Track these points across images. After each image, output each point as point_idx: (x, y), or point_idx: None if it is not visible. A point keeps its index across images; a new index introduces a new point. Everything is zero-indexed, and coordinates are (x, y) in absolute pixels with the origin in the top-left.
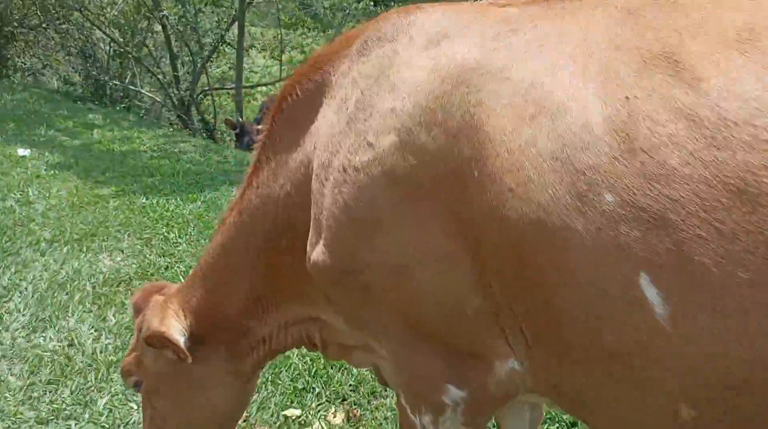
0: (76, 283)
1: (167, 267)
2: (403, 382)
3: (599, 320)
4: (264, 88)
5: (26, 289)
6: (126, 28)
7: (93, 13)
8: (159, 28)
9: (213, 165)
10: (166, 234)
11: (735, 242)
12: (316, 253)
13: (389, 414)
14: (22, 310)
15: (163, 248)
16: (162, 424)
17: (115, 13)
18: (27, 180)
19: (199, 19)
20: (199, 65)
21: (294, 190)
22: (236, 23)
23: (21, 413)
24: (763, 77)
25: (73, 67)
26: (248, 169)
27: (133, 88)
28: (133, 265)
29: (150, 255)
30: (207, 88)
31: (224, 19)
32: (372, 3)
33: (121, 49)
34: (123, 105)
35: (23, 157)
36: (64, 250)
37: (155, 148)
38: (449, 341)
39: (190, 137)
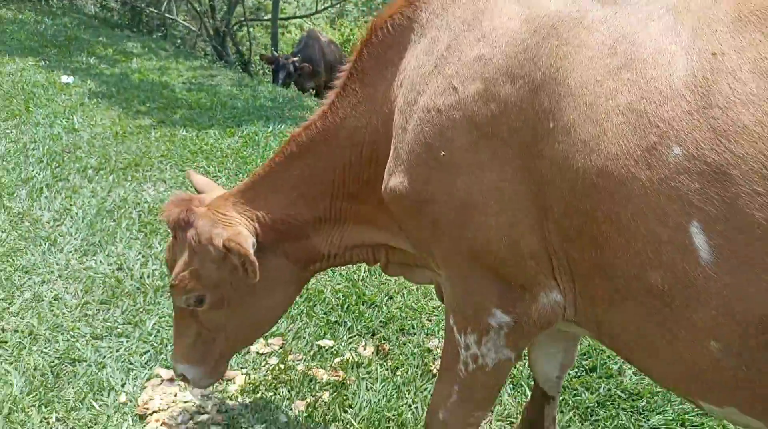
0: (122, 210)
1: None
2: (455, 304)
3: (647, 263)
4: (298, 20)
5: (76, 214)
6: None
7: None
8: None
9: (248, 100)
10: (206, 167)
11: (746, 215)
12: (393, 182)
13: (415, 350)
14: (73, 234)
15: (204, 175)
16: (213, 336)
17: None
18: (71, 107)
19: None
20: None
21: (380, 123)
22: None
23: (78, 328)
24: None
25: None
26: (330, 94)
27: (169, 16)
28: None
29: (191, 187)
30: (243, 19)
31: None
32: None
33: None
34: (159, 33)
35: (67, 84)
36: (110, 178)
37: (192, 80)
38: (502, 272)
39: (225, 69)
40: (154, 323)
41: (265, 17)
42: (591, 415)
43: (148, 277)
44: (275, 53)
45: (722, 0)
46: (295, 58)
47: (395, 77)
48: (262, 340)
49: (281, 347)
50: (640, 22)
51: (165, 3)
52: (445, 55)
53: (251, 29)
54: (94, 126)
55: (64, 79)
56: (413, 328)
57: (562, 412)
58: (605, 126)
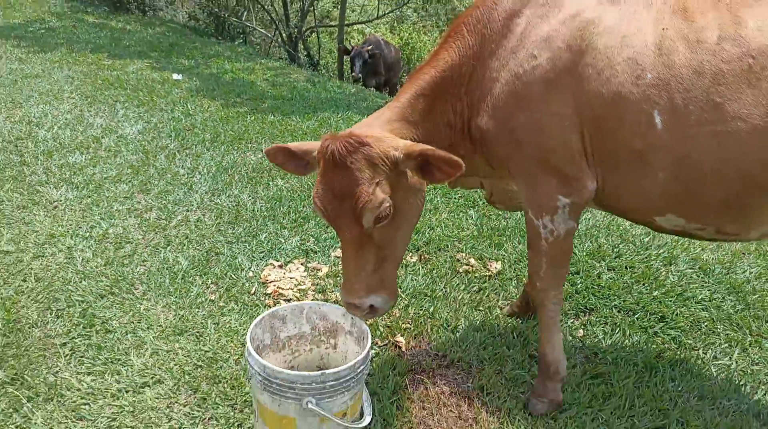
0: (234, 169)
1: None
2: (530, 200)
3: (635, 136)
4: (360, 26)
5: (202, 169)
6: None
7: None
8: None
9: (320, 92)
10: (291, 141)
11: (683, 107)
12: (485, 119)
13: (447, 259)
14: (203, 183)
15: None
16: (388, 255)
17: None
18: (184, 98)
19: None
20: (307, 4)
21: (476, 76)
22: None
23: (216, 237)
24: (719, 26)
25: (198, 5)
26: (438, 54)
27: (249, 24)
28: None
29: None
30: (313, 26)
31: None
32: None
33: None
34: (240, 40)
35: (177, 80)
36: (222, 148)
37: (273, 78)
38: (562, 169)
39: (299, 69)
40: (265, 236)
41: (332, 23)
42: (570, 298)
43: (257, 210)
44: (351, 46)
45: (668, 2)
46: (369, 47)
47: (486, 47)
48: None
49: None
50: (630, 13)
51: (245, 13)
52: (527, 34)
53: (320, 35)
54: (203, 112)
55: (175, 76)
56: (447, 246)
57: None
58: (616, 69)
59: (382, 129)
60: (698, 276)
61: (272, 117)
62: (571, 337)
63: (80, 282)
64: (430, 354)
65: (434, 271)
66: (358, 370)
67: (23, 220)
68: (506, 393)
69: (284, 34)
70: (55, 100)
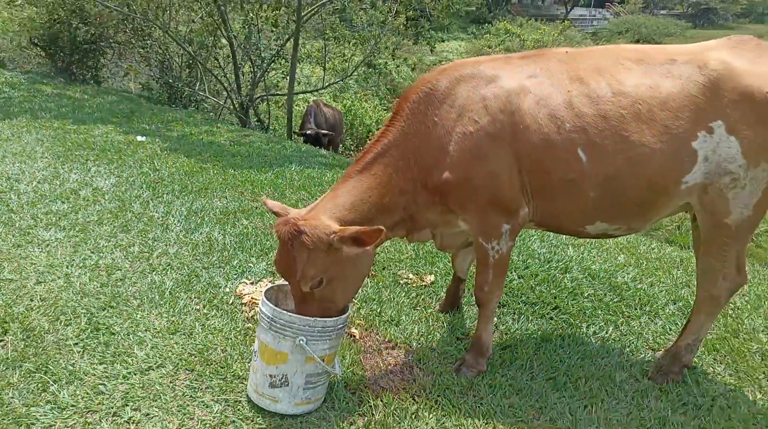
0: (203, 211)
1: (255, 208)
2: (481, 227)
3: (567, 170)
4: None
5: (175, 213)
6: (199, 42)
7: (172, 31)
8: (225, 41)
9: (276, 151)
10: (252, 190)
11: (600, 143)
12: (446, 174)
13: (391, 276)
14: (177, 224)
15: (249, 197)
16: (331, 298)
17: (190, 31)
18: (150, 156)
19: (261, 38)
20: (258, 75)
21: (421, 146)
22: (291, 39)
23: (192, 263)
24: (609, 86)
25: (151, 76)
26: (382, 136)
27: (202, 93)
28: (236, 204)
29: (244, 201)
30: (263, 94)
31: (281, 37)
32: (405, 21)
33: (192, 61)
34: (192, 108)
35: (142, 142)
36: (190, 196)
37: (232, 139)
38: (507, 204)
39: (255, 132)
40: (237, 262)
41: (281, 93)
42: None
43: (227, 243)
44: (308, 132)
45: (564, 72)
46: (324, 131)
47: (427, 121)
48: None
49: None
50: (541, 83)
51: (197, 84)
52: (465, 106)
53: (269, 103)
54: (170, 167)
55: (139, 138)
56: (390, 266)
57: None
58: (541, 123)
59: (332, 213)
60: (587, 280)
61: (233, 171)
62: None
63: (81, 299)
64: (378, 340)
65: (380, 283)
66: (339, 326)
67: (20, 255)
68: (438, 363)
69: (236, 102)
70: (29, 159)
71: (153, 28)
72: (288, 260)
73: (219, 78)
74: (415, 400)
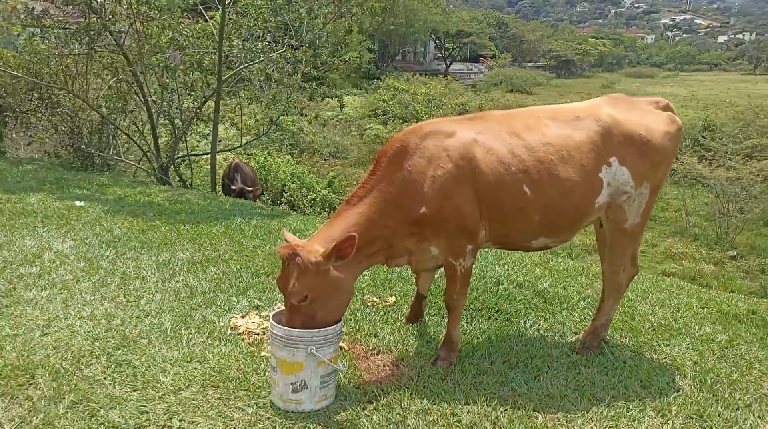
0: (172, 264)
1: (219, 256)
2: (450, 249)
3: (516, 202)
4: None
5: (145, 267)
6: (111, 107)
7: (81, 98)
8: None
9: (216, 206)
10: (209, 241)
11: (539, 180)
12: (423, 209)
13: (358, 301)
14: (151, 275)
15: (209, 247)
16: (312, 315)
17: (98, 97)
18: (96, 219)
19: (179, 100)
20: (177, 138)
21: (397, 190)
22: (210, 100)
23: (180, 307)
24: (538, 139)
25: (60, 143)
26: (366, 183)
27: (118, 157)
28: (200, 255)
29: (206, 251)
30: (186, 155)
31: (197, 99)
32: (302, 81)
33: (105, 125)
34: (107, 171)
35: (81, 206)
36: (153, 251)
37: (169, 198)
38: (470, 229)
39: (190, 190)
40: (221, 302)
41: (202, 153)
42: (441, 308)
43: (206, 288)
44: (233, 187)
45: (504, 130)
46: (249, 187)
47: (403, 170)
48: None
49: None
50: (487, 138)
51: (111, 147)
52: (432, 157)
53: (190, 162)
54: (121, 228)
55: (78, 203)
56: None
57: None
58: (492, 167)
59: (324, 242)
60: (516, 288)
61: (184, 226)
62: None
63: (93, 343)
64: (364, 349)
65: (351, 307)
66: (338, 332)
67: (14, 313)
68: (418, 360)
69: (155, 164)
70: None
71: (62, 95)
72: (285, 277)
73: (138, 142)
74: (408, 387)
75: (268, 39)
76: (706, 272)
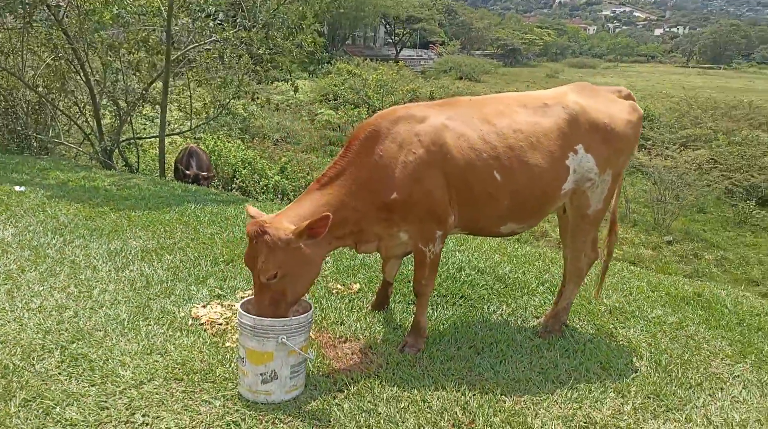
0: (124, 252)
1: (174, 244)
2: (420, 234)
3: (486, 187)
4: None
5: (96, 255)
6: (49, 86)
7: (16, 75)
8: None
9: (167, 192)
10: (163, 229)
11: (509, 166)
12: (394, 194)
13: (322, 288)
14: (102, 264)
15: (163, 235)
16: (282, 291)
17: (34, 76)
18: (39, 205)
19: (126, 81)
20: (123, 118)
21: (369, 173)
22: (157, 81)
23: (137, 297)
24: (508, 125)
25: None
26: (337, 164)
27: (57, 140)
28: (153, 243)
29: (161, 239)
30: (130, 137)
31: (144, 79)
32: (252, 63)
33: (43, 105)
34: (45, 155)
35: (22, 192)
36: (104, 239)
37: (116, 183)
38: (439, 214)
39: (138, 175)
40: (180, 292)
41: (149, 136)
42: (407, 294)
43: (163, 277)
44: (188, 172)
45: (474, 115)
46: (204, 173)
47: (374, 154)
48: None
49: None
50: (460, 123)
51: (49, 131)
52: (404, 141)
53: (138, 145)
54: (67, 214)
55: (18, 188)
56: (318, 281)
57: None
58: (463, 153)
59: (293, 220)
60: (477, 274)
61: (134, 213)
62: (412, 313)
63: (45, 337)
64: (331, 337)
65: (315, 295)
66: (309, 320)
67: None
68: (385, 347)
69: (98, 147)
70: None
71: None
72: (253, 255)
73: (79, 123)
74: (377, 375)
75: (220, 18)
76: (645, 257)
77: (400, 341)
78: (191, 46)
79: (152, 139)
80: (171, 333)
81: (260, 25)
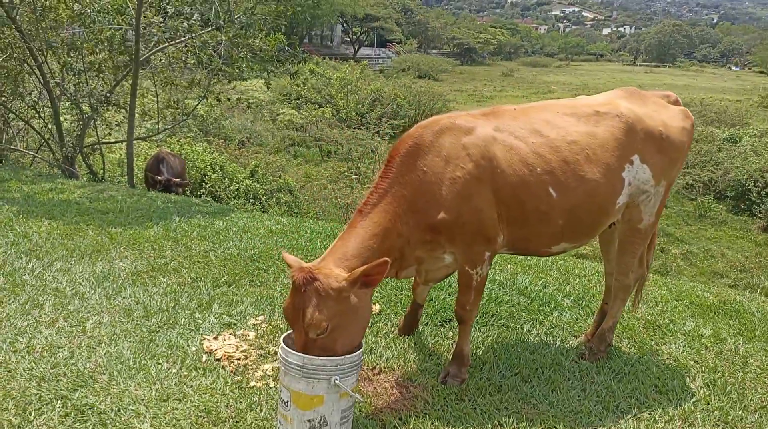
0: (112, 275)
1: (166, 264)
2: (468, 256)
3: (539, 203)
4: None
5: (81, 280)
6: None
7: None
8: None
9: (147, 204)
10: (151, 247)
11: (564, 181)
12: (441, 214)
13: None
14: (91, 291)
15: (152, 254)
16: (331, 347)
17: None
18: (5, 222)
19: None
20: (87, 123)
21: (413, 191)
22: (121, 83)
23: (137, 330)
24: (561, 136)
25: None
26: (378, 187)
27: (12, 147)
28: (143, 263)
29: (151, 259)
30: (96, 143)
31: (109, 81)
32: (222, 63)
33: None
34: None
35: None
36: (86, 259)
37: (88, 195)
38: (489, 234)
39: (111, 186)
40: (184, 321)
41: (115, 140)
42: (437, 313)
43: (161, 304)
44: (158, 177)
45: (524, 127)
46: (177, 179)
47: (418, 170)
48: None
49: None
50: (507, 135)
51: (3, 135)
52: (450, 155)
53: (103, 151)
54: (39, 232)
55: None
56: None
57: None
58: (516, 167)
59: (341, 262)
60: (500, 288)
61: (114, 229)
62: (444, 337)
63: (40, 385)
64: (364, 369)
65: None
66: (361, 359)
67: None
68: (426, 378)
69: (59, 154)
70: None
71: None
72: (298, 306)
73: (37, 128)
74: (426, 413)
75: (195, 17)
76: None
77: (439, 370)
78: (163, 46)
79: (116, 145)
80: (185, 373)
81: (237, 26)
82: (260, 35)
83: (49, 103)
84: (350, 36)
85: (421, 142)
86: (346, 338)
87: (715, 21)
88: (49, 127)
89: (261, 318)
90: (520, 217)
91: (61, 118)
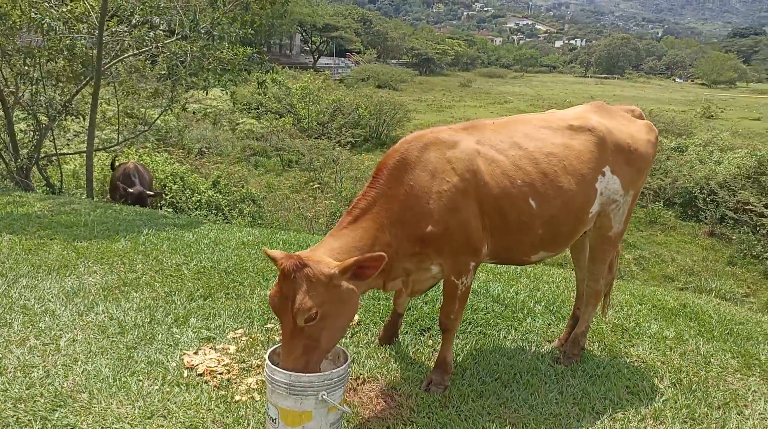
0: (82, 291)
1: (138, 278)
2: (454, 267)
3: (521, 214)
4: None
5: (50, 296)
6: None
7: None
8: None
9: (113, 216)
10: (121, 261)
11: (544, 192)
12: (429, 227)
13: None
14: (62, 307)
15: (122, 268)
16: (317, 337)
17: None
18: None
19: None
20: (44, 133)
21: (400, 204)
22: (78, 94)
23: (114, 347)
24: (539, 148)
25: None
26: (367, 194)
27: None
28: (114, 278)
29: (121, 273)
30: (53, 154)
31: (67, 90)
32: (189, 74)
33: None
34: None
35: None
36: (54, 275)
37: (50, 209)
38: (474, 244)
39: (72, 198)
40: (161, 336)
41: (75, 151)
42: (415, 322)
43: (136, 319)
44: (130, 190)
45: (503, 140)
46: (150, 191)
47: (405, 184)
48: None
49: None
50: (489, 148)
51: None
52: (436, 169)
53: (60, 163)
54: (1, 248)
55: None
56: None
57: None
58: (498, 179)
59: (331, 254)
60: (474, 295)
61: (80, 243)
62: (424, 345)
63: (16, 406)
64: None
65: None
66: (348, 372)
67: None
68: (409, 387)
69: (12, 165)
70: None
71: None
72: (287, 292)
73: None
74: (412, 421)
75: (162, 27)
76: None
77: (421, 378)
78: (126, 56)
79: (70, 156)
80: (168, 389)
81: (206, 38)
82: (228, 46)
83: (1, 112)
84: (309, 45)
85: (407, 157)
86: (332, 332)
87: (659, 35)
88: (2, 136)
89: (240, 331)
90: (503, 228)
91: (15, 128)
